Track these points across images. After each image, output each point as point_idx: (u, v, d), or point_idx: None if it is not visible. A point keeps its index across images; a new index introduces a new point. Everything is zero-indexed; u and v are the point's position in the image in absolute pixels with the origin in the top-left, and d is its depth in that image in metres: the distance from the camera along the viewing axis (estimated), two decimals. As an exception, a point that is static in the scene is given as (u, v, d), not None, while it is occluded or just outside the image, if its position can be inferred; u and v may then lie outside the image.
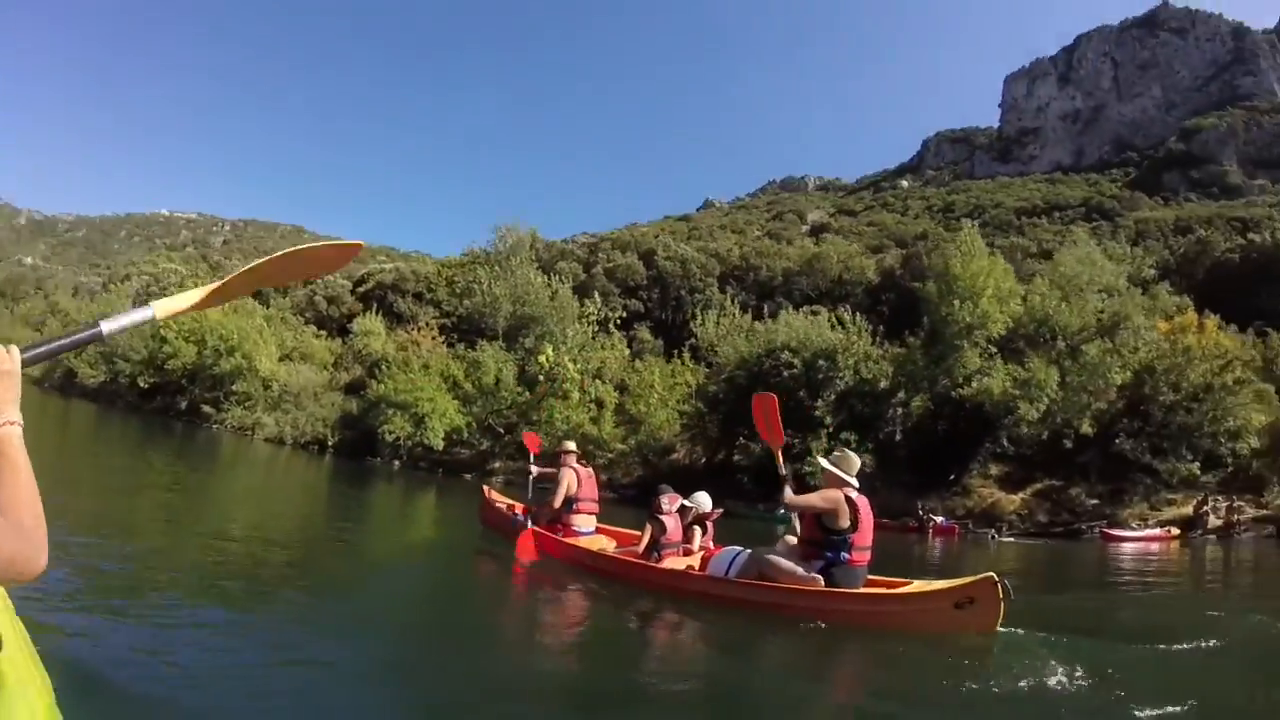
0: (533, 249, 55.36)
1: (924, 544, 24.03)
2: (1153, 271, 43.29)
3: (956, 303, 30.25)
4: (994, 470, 30.59)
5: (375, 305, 58.27)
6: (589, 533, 12.39)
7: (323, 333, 58.59)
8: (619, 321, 42.77)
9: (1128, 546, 24.63)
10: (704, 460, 32.69)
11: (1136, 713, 5.51)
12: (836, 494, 8.43)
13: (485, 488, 16.54)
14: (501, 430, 36.25)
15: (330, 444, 39.07)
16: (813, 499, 8.64)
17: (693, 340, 41.99)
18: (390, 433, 34.86)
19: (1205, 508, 27.35)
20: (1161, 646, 7.68)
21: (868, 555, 8.57)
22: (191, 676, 5.51)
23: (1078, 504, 28.72)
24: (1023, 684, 6.20)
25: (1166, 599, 14.08)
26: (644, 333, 52.85)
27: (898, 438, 29.27)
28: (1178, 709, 5.65)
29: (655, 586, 9.77)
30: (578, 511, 12.41)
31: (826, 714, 6.37)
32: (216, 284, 2.65)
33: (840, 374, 28.99)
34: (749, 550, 9.15)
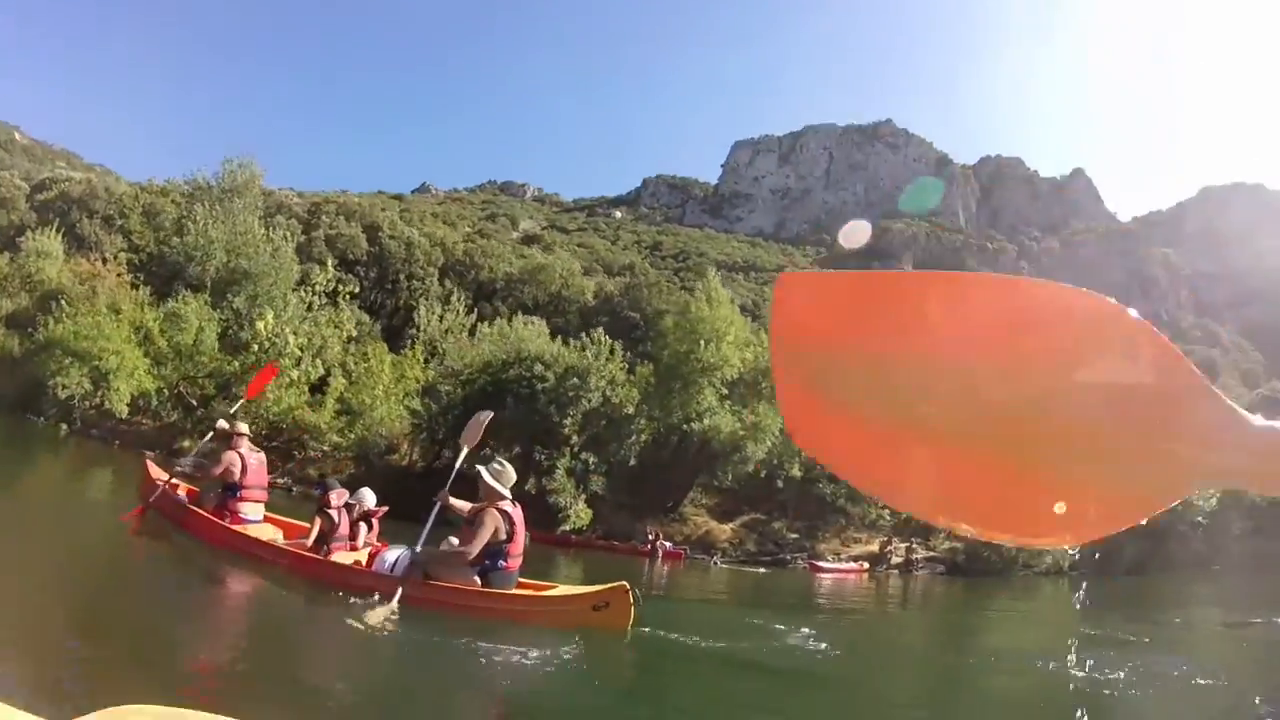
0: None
1: (654, 567, 25.35)
2: None
3: (701, 343, 31.42)
4: (705, 501, 33.78)
5: (56, 221, 49.55)
6: (256, 521, 11.87)
7: (-21, 241, 49.09)
8: (349, 296, 38.66)
9: (827, 576, 28.99)
10: (426, 463, 30.57)
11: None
12: (493, 517, 8.90)
13: (148, 460, 14.54)
14: (194, 402, 31.59)
15: None
16: (470, 507, 9.26)
17: (414, 331, 39.52)
18: (63, 388, 28.74)
19: (889, 547, 32.61)
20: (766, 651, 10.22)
21: (519, 561, 9.27)
22: None
23: (781, 536, 32.72)
24: (643, 672, 8.39)
25: (819, 618, 17.29)
26: (360, 314, 48.72)
27: (631, 462, 29.66)
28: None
29: (323, 580, 9.86)
30: (243, 499, 11.76)
31: (476, 702, 7.11)
32: None
33: (590, 394, 28.58)
34: (412, 549, 9.43)
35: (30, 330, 32.74)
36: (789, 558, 31.30)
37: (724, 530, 32.46)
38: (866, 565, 31.75)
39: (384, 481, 27.12)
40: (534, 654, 7.84)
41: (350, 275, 49.19)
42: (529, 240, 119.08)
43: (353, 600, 8.88)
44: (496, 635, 8.17)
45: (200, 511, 11.61)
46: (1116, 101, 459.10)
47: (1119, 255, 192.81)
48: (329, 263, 39.32)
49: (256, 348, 31.93)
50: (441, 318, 39.92)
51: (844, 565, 31.17)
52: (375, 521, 11.46)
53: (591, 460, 27.98)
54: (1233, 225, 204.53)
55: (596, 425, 29.07)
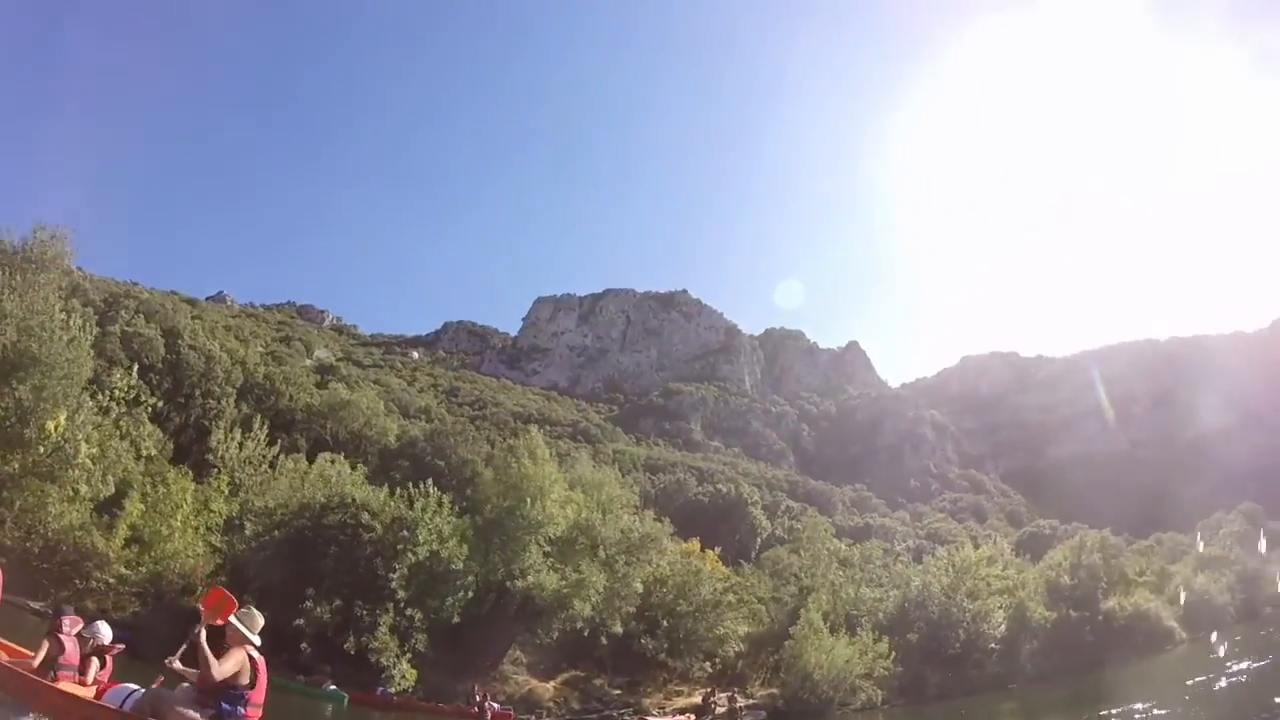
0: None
1: None
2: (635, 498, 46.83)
3: (528, 500, 30.93)
4: (523, 658, 33.67)
5: None
6: None
7: None
8: (153, 409, 34.71)
9: None
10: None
11: None
12: (241, 654, 8.70)
13: None
14: None
15: None
16: (226, 665, 8.58)
17: (210, 455, 36.39)
18: None
19: (713, 698, 32.41)
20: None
21: (259, 713, 8.95)
22: None
23: (604, 693, 32.80)
24: None
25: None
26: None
27: (455, 619, 28.14)
28: None
29: (47, 707, 9.44)
30: None
31: None
32: None
33: (418, 548, 26.93)
34: (146, 689, 9.12)
35: None
36: (615, 714, 31.13)
37: (547, 689, 32.05)
38: (693, 717, 31.33)
39: (175, 624, 24.25)
40: None
41: (142, 382, 44.86)
42: (324, 370, 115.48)
43: None
44: None
45: None
46: (887, 282, 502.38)
47: (891, 417, 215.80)
48: (133, 367, 35.41)
49: (42, 449, 27.74)
50: (241, 445, 36.60)
51: (672, 718, 30.64)
52: (109, 658, 10.93)
53: (417, 617, 26.33)
54: (990, 388, 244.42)
55: (420, 580, 27.26)
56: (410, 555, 26.64)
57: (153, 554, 27.76)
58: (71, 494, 27.67)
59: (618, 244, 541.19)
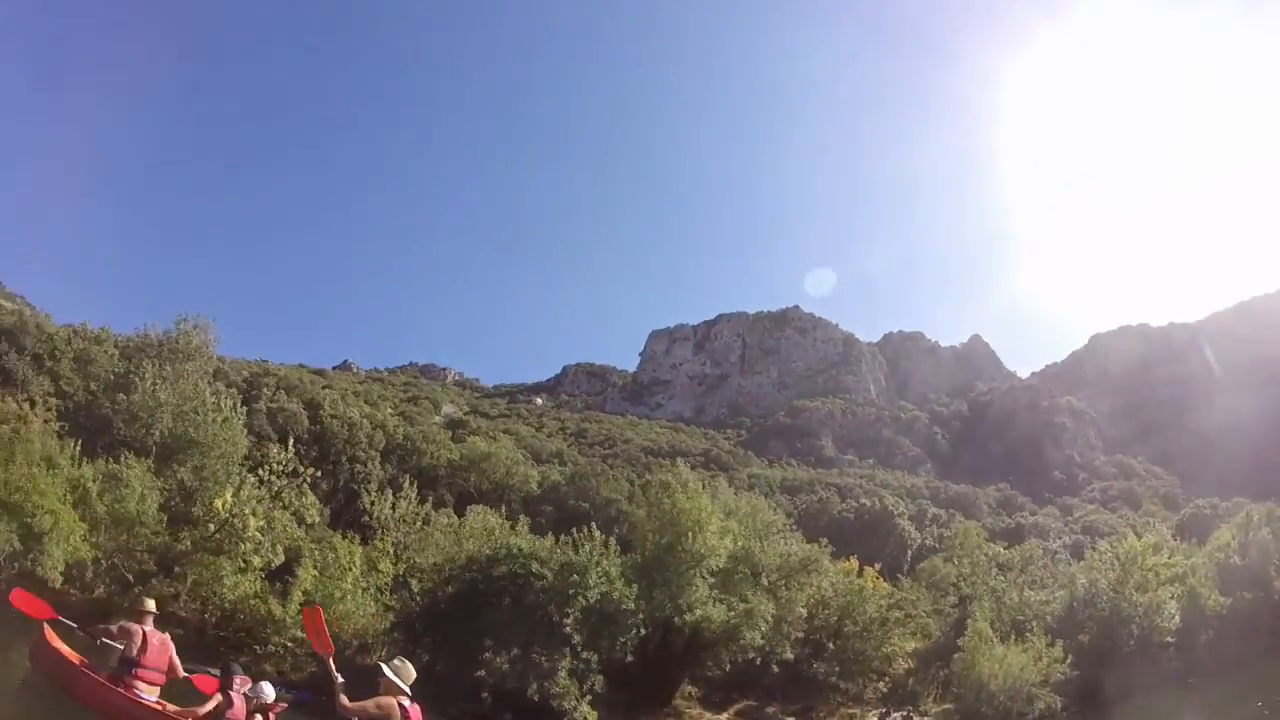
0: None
1: None
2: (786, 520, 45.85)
3: (689, 534, 30.34)
4: (693, 691, 32.44)
5: None
6: (150, 703, 11.60)
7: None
8: (312, 479, 35.20)
9: None
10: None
11: None
12: (391, 701, 9.01)
13: (45, 625, 13.54)
14: (131, 578, 27.93)
15: None
16: (367, 705, 9.00)
17: (365, 518, 37.10)
18: None
19: (890, 718, 31.24)
20: None
21: None
22: None
23: None
24: None
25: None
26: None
27: (628, 658, 27.72)
28: None
29: None
30: (139, 677, 11.64)
31: None
32: None
33: (589, 591, 26.65)
34: None
35: None
36: None
37: None
38: None
39: (353, 681, 24.51)
40: None
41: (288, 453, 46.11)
42: (453, 425, 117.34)
43: None
44: None
45: (95, 678, 11.65)
46: (999, 269, 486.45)
47: (1025, 409, 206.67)
48: (288, 440, 36.13)
49: (212, 526, 28.97)
50: (394, 505, 37.22)
51: None
52: (272, 716, 11.63)
53: (593, 659, 26.13)
54: (1123, 364, 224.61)
55: (592, 622, 27.06)
56: (581, 599, 26.47)
57: (329, 617, 27.77)
58: (243, 565, 28.38)
59: (728, 269, 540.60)
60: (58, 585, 25.41)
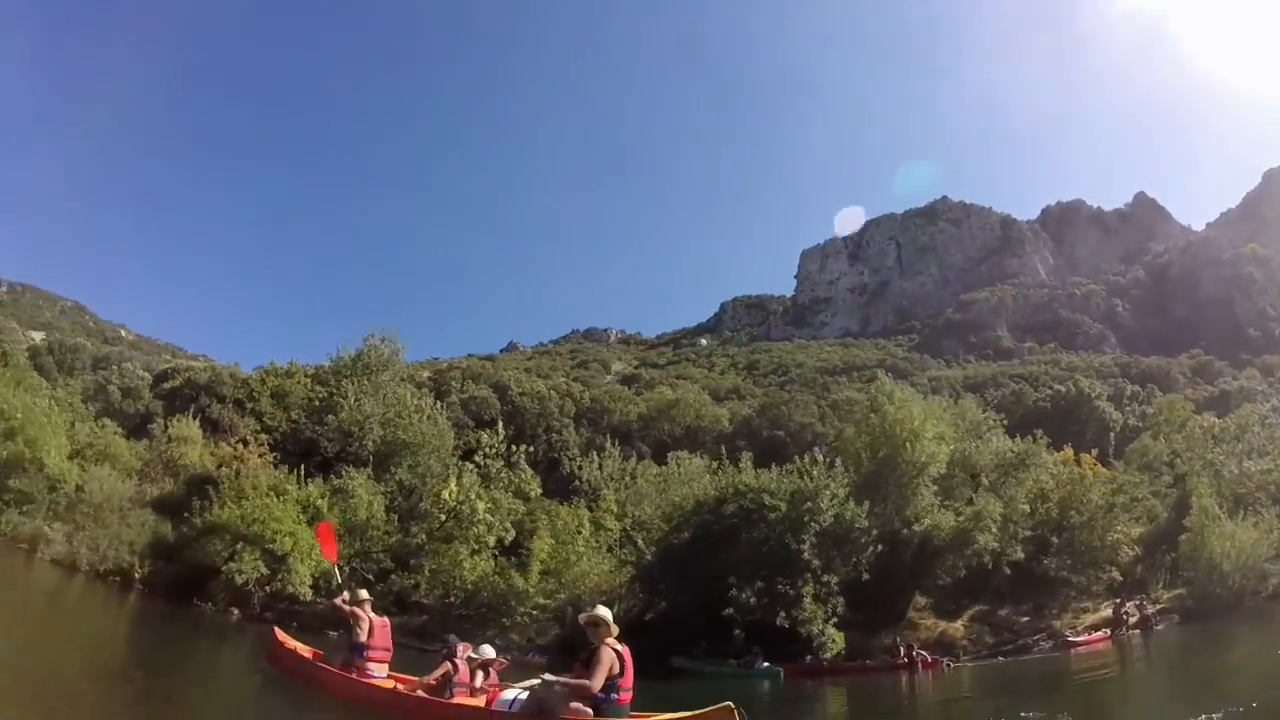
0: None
1: (917, 680, 24.19)
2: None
3: (908, 445, 29.99)
4: (922, 602, 32.00)
5: (188, 410, 48.76)
6: (381, 678, 12.83)
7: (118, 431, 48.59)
8: (525, 455, 36.30)
9: (1082, 650, 27.59)
10: (636, 615, 28.56)
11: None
12: (608, 653, 9.54)
13: (276, 629, 15.81)
14: (371, 578, 29.47)
15: (138, 576, 29.62)
16: (595, 672, 9.44)
17: (575, 483, 38.15)
18: (239, 573, 26.67)
19: (1124, 609, 30.58)
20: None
21: (630, 695, 9.78)
22: None
23: (1011, 623, 30.86)
24: None
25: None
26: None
27: (865, 578, 27.44)
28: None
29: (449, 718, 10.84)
30: (370, 659, 12.88)
31: None
32: None
33: (822, 515, 26.49)
34: (530, 691, 10.12)
35: (186, 515, 31.35)
36: (1030, 643, 29.14)
37: (956, 628, 30.50)
38: (1108, 632, 29.68)
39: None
40: None
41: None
42: (627, 381, 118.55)
43: None
44: None
45: (327, 668, 13.12)
46: (1154, 111, 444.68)
47: (1207, 265, 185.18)
48: (497, 424, 37.23)
49: (444, 516, 30.33)
50: (600, 466, 37.76)
51: (1093, 636, 29.11)
52: (493, 670, 12.35)
53: (832, 581, 26.06)
54: None
55: (826, 546, 26.94)
56: (814, 525, 26.29)
57: (563, 580, 29.15)
58: (476, 546, 29.85)
59: (874, 172, 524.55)
60: (308, 597, 27.45)
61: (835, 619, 25.56)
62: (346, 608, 13.62)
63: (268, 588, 27.84)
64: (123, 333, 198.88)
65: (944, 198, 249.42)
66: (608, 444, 43.60)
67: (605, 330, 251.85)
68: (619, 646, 9.80)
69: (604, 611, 10.08)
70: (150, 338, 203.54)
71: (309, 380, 53.66)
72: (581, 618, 10.20)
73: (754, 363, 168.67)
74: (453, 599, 28.43)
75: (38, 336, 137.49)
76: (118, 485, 34.98)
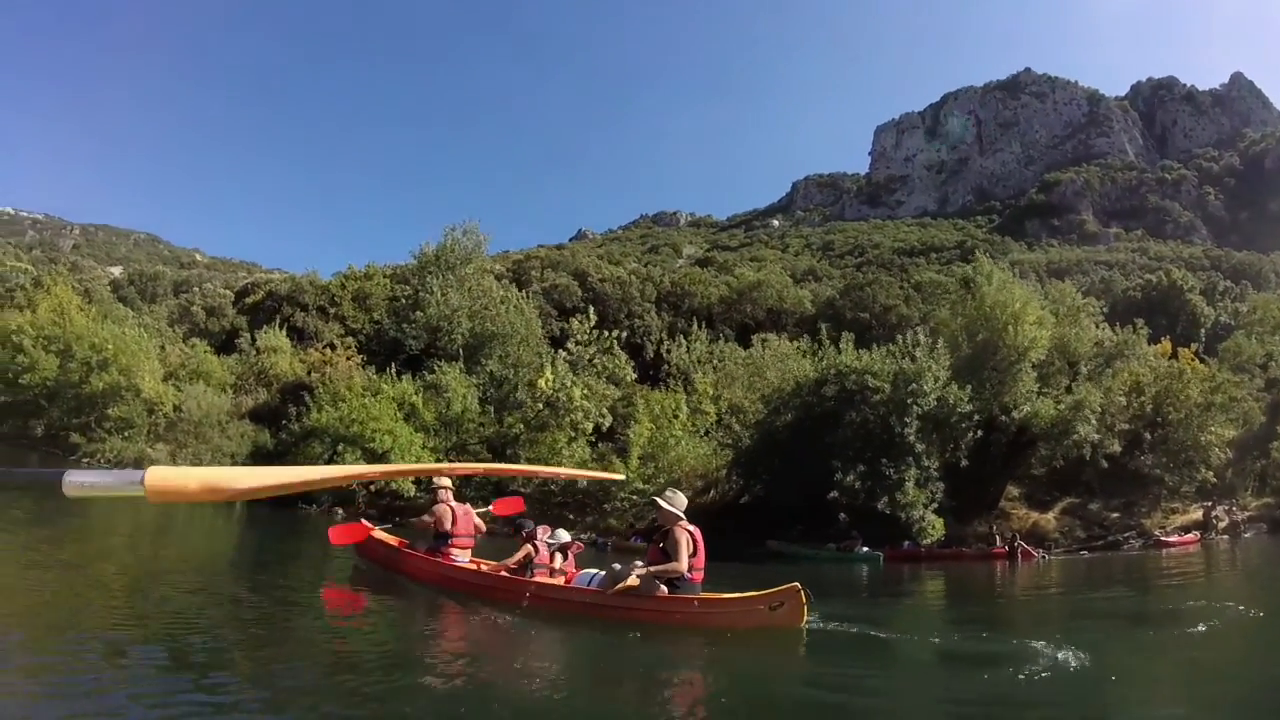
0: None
1: (1016, 569, 23.84)
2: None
3: (1009, 328, 28.80)
4: (1016, 491, 31.40)
5: (273, 321, 49.41)
6: (464, 563, 13.28)
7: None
8: (617, 341, 35.80)
9: (1174, 550, 26.92)
10: (729, 499, 28.67)
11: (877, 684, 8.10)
12: (683, 534, 10.02)
13: (363, 521, 16.24)
14: None
15: None
16: (679, 553, 9.92)
17: (665, 366, 38.32)
18: None
19: (1214, 512, 30.22)
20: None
21: (702, 575, 10.22)
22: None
23: (1101, 518, 30.16)
24: (820, 662, 9.18)
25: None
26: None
27: (963, 463, 26.98)
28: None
29: (532, 599, 11.00)
30: (454, 545, 13.35)
31: (674, 696, 7.53)
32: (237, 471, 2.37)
33: (924, 398, 25.75)
34: (606, 569, 10.74)
35: (284, 422, 32.57)
36: (1120, 539, 28.47)
37: (1048, 520, 29.82)
38: (1198, 535, 29.20)
39: (711, 522, 25.25)
40: (722, 650, 9.26)
41: (570, 322, 47.44)
42: (701, 264, 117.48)
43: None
44: (686, 637, 9.69)
45: (414, 554, 13.69)
46: None
47: None
48: (589, 310, 36.78)
49: (541, 405, 30.37)
50: (689, 349, 37.27)
51: (1184, 538, 28.60)
52: (571, 554, 12.87)
53: (933, 466, 25.56)
54: None
55: (928, 429, 26.24)
56: (917, 407, 25.61)
57: (660, 465, 28.85)
58: (572, 434, 29.93)
59: (945, 41, 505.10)
60: (410, 493, 27.93)
61: (934, 505, 25.21)
62: (430, 517, 13.87)
63: (371, 486, 28.54)
64: (198, 256, 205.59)
65: (1027, 69, 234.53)
66: (693, 327, 43.10)
67: (674, 213, 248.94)
68: (691, 528, 10.23)
69: (679, 497, 10.46)
70: (225, 258, 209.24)
71: (388, 281, 54.20)
72: (657, 500, 10.51)
73: (828, 243, 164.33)
74: (552, 487, 28.42)
75: (116, 271, 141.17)
76: (214, 400, 36.36)
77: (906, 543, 25.14)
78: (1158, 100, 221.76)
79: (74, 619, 8.68)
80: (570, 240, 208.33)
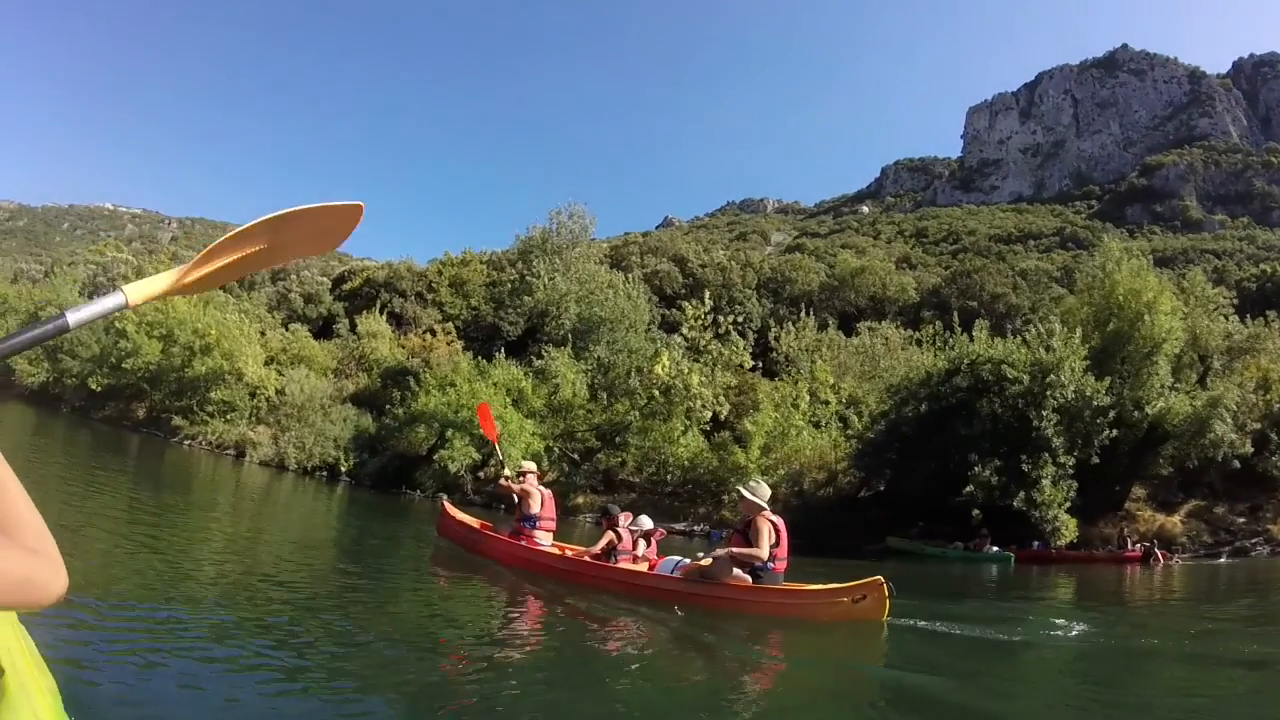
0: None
1: (1151, 575, 22.28)
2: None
3: (1144, 318, 27.14)
4: (1139, 492, 29.47)
5: (371, 307, 49.46)
6: (547, 546, 13.39)
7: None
8: (733, 326, 34.72)
9: None
10: (849, 493, 27.89)
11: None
12: (765, 523, 10.24)
13: (444, 501, 17.21)
14: (577, 457, 29.70)
15: (344, 469, 31.18)
16: (759, 541, 10.18)
17: (772, 354, 37.91)
18: (450, 460, 27.51)
19: None
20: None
21: (785, 565, 10.45)
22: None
23: (1228, 523, 28.18)
24: (901, 655, 9.26)
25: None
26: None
27: (1094, 460, 25.21)
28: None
29: (614, 585, 11.37)
30: (539, 528, 13.49)
31: (753, 684, 7.76)
32: (198, 258, 2.36)
33: (1063, 390, 24.46)
34: (690, 558, 11.12)
35: (387, 406, 32.73)
36: (1249, 545, 26.70)
37: (1174, 523, 27.99)
38: None
39: (809, 511, 25.20)
40: (807, 641, 9.62)
41: (673, 309, 46.43)
42: (790, 252, 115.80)
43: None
44: (769, 626, 9.84)
45: (496, 535, 14.06)
46: None
47: None
48: (704, 295, 35.51)
49: (657, 392, 29.47)
50: (797, 335, 36.08)
51: None
52: (654, 541, 13.21)
53: (1069, 464, 24.12)
54: None
55: (1062, 424, 24.77)
56: (1053, 400, 24.31)
57: (778, 455, 27.95)
58: (686, 422, 29.23)
59: (1039, 19, 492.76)
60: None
61: (1069, 504, 23.87)
62: (516, 486, 14.12)
63: (480, 473, 28.21)
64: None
65: (1124, 46, 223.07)
66: (801, 314, 41.97)
67: (761, 200, 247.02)
68: (774, 518, 10.45)
69: (763, 488, 10.65)
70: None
71: (484, 267, 54.03)
72: (740, 490, 10.74)
73: (922, 230, 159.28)
74: (667, 477, 27.85)
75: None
76: (316, 384, 36.53)
77: (1036, 543, 24.04)
78: (1260, 78, 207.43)
79: (182, 589, 9.01)
80: (657, 228, 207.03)
